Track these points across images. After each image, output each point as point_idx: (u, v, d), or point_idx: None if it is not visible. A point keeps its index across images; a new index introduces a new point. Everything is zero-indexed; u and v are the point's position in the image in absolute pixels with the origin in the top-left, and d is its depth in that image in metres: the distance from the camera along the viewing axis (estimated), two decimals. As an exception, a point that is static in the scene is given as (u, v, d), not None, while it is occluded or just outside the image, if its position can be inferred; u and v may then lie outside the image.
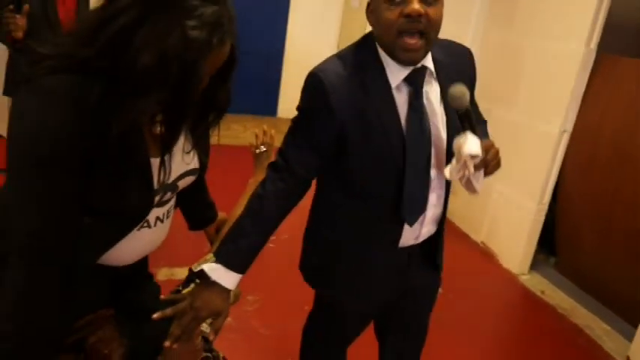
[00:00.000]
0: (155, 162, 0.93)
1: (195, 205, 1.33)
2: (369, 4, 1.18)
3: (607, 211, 2.89)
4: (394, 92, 1.19)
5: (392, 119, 1.19)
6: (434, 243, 1.41)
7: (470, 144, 1.10)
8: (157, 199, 0.98)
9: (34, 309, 0.86)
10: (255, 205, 1.19)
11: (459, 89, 1.13)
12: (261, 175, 1.39)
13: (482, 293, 3.08)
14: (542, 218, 3.23)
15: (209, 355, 1.28)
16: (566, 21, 2.98)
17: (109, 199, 0.88)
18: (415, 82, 1.19)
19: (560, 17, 3.02)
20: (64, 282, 0.89)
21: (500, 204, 3.50)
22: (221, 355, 1.34)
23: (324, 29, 6.51)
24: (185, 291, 1.26)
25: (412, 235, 1.33)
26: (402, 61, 1.16)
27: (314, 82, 1.17)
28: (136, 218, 0.97)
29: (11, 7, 2.12)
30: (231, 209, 1.43)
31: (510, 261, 3.37)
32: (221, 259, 1.13)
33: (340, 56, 1.22)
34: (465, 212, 3.83)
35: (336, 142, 1.21)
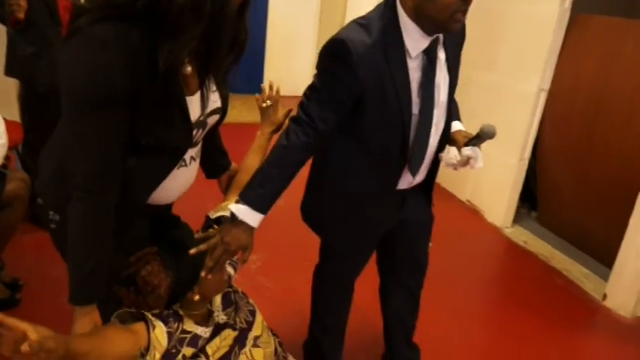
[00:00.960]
0: (189, 100, 1.05)
1: (212, 154, 1.45)
2: None
3: (583, 163, 3.08)
4: (408, 60, 1.34)
5: (404, 85, 1.35)
6: (427, 182, 1.61)
7: (480, 160, 1.47)
8: (193, 133, 1.11)
9: (94, 238, 1.01)
10: (281, 155, 1.34)
11: (494, 130, 1.39)
12: (267, 128, 1.52)
13: (469, 246, 3.27)
14: (523, 173, 3.42)
15: (230, 289, 1.43)
16: (541, -17, 3.12)
17: (154, 134, 1.01)
18: (431, 52, 1.35)
19: (536, -20, 3.16)
20: (116, 213, 1.03)
21: (483, 163, 3.67)
22: (240, 290, 1.49)
23: (304, 3, 6.54)
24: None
25: (406, 181, 1.51)
26: (448, 31, 1.32)
27: (342, 50, 1.29)
28: (178, 152, 1.10)
29: None
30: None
31: (494, 216, 3.56)
32: (248, 201, 1.27)
33: (363, 24, 1.33)
34: (450, 173, 3.99)
35: (355, 102, 1.36)
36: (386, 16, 1.33)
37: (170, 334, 1.14)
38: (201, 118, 1.13)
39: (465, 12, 1.27)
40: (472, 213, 3.71)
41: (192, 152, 1.18)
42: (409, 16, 1.30)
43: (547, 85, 3.19)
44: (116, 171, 1.00)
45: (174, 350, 1.13)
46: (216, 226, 1.40)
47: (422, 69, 1.35)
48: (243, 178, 1.46)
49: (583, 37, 3.05)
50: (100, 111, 0.93)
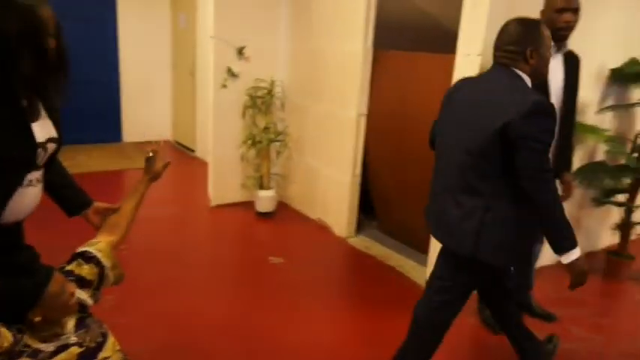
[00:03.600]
0: (33, 125, 1.30)
1: (68, 191, 1.61)
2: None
3: (401, 172, 3.64)
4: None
5: None
6: None
7: None
8: (38, 152, 1.32)
9: None
10: (559, 203, 1.68)
11: None
12: (147, 176, 1.74)
13: (320, 257, 3.64)
14: (357, 188, 3.90)
15: (84, 315, 1.55)
16: (346, 25, 3.69)
17: (5, 149, 1.22)
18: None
19: (342, 22, 3.73)
20: None
21: (327, 183, 4.12)
22: (94, 317, 1.59)
23: (156, 51, 6.73)
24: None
25: None
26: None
27: (552, 109, 1.70)
28: (24, 170, 1.31)
29: None
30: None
31: (340, 229, 3.99)
32: (576, 243, 1.70)
33: (525, 88, 1.80)
34: (302, 196, 4.40)
35: None
36: (517, 79, 1.80)
37: (14, 336, 1.26)
38: (42, 142, 1.35)
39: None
40: (322, 229, 4.12)
41: (38, 175, 1.38)
42: (527, 75, 1.81)
43: (364, 110, 3.73)
44: None
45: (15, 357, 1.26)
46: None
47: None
48: (116, 219, 1.65)
49: (385, 68, 3.64)
50: None
